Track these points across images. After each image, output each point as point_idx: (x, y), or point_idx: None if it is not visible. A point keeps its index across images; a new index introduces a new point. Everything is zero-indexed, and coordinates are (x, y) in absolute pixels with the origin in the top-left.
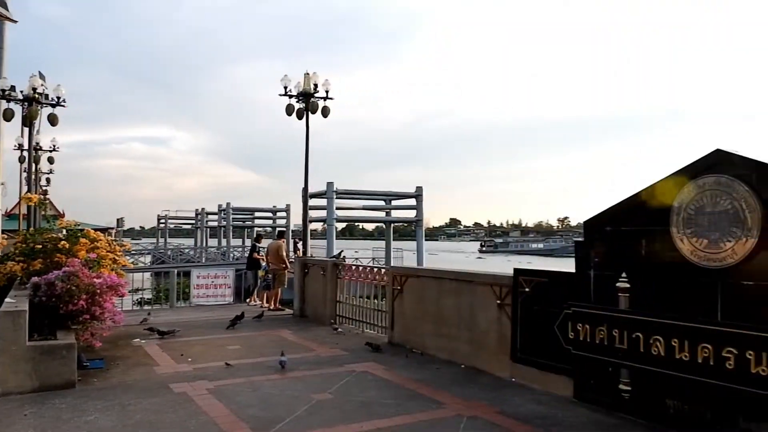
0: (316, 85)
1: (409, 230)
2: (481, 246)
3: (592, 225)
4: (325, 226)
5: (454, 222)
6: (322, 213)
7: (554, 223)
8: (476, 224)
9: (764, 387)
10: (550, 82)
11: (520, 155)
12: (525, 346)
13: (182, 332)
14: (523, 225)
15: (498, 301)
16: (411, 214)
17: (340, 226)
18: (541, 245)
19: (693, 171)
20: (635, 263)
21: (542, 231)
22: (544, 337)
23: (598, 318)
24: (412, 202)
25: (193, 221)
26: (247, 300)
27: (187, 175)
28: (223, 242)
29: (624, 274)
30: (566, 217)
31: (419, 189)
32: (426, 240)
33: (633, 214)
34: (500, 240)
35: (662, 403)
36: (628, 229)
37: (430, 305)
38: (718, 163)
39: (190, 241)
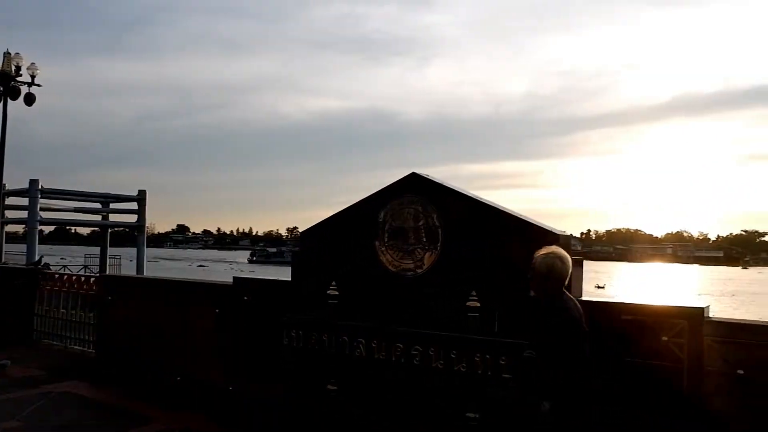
0: (18, 68)
1: (131, 236)
2: (252, 255)
3: (308, 235)
4: (27, 228)
5: (182, 228)
6: (23, 214)
7: (284, 233)
8: (205, 231)
9: (441, 378)
10: (294, 88)
11: (251, 162)
12: (244, 355)
13: None
14: (254, 233)
15: (217, 310)
16: (132, 218)
17: (48, 229)
18: None
19: (395, 190)
20: (345, 272)
21: (272, 240)
22: (262, 345)
23: (310, 324)
24: (134, 205)
25: None
26: None
27: None
28: None
29: (334, 283)
30: (295, 227)
31: (142, 192)
32: (150, 247)
33: (344, 227)
34: (274, 249)
35: (368, 399)
36: (340, 240)
37: (145, 315)
38: (415, 183)
39: None
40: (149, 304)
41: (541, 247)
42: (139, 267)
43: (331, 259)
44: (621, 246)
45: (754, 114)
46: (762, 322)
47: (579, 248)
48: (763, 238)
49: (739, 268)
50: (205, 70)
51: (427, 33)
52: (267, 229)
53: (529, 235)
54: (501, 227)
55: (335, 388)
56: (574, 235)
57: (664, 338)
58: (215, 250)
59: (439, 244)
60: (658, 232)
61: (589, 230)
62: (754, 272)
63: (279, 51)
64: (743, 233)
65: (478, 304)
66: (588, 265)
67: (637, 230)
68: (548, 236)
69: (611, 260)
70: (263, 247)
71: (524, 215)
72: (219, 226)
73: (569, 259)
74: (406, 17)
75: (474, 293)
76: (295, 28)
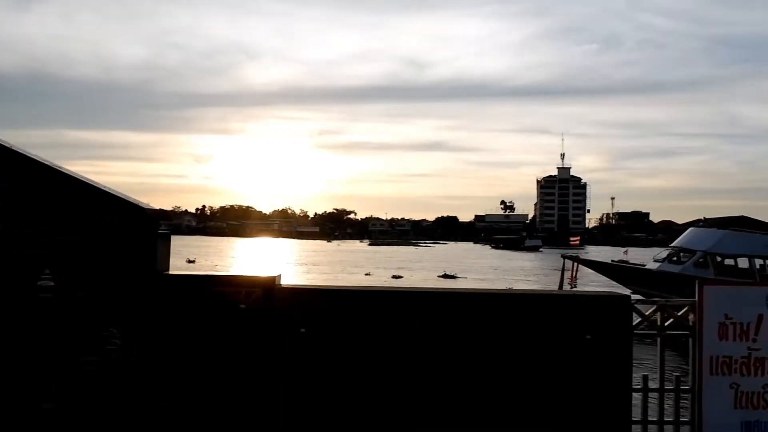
0: None
1: None
2: None
3: None
4: None
5: None
6: None
7: None
8: None
9: (7, 371)
10: None
11: None
12: None
13: None
14: None
15: None
16: None
17: None
18: None
19: None
20: None
21: None
22: None
23: None
24: None
25: None
26: None
27: None
28: None
29: None
30: None
31: None
32: None
33: None
34: None
35: None
36: None
37: None
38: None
39: None
40: None
41: (128, 221)
42: None
43: None
44: (234, 222)
45: (342, 109)
46: (316, 286)
47: (194, 224)
48: (349, 216)
49: (326, 242)
50: None
51: None
52: None
53: (114, 208)
54: (82, 199)
55: None
56: (189, 210)
57: (242, 306)
58: None
59: (4, 216)
60: (268, 209)
61: (204, 206)
62: (335, 245)
63: None
64: (335, 211)
65: (52, 284)
66: (200, 240)
67: (249, 207)
68: (134, 210)
69: (225, 236)
70: None
71: (110, 188)
72: None
73: None
74: None
75: (47, 272)
76: None
